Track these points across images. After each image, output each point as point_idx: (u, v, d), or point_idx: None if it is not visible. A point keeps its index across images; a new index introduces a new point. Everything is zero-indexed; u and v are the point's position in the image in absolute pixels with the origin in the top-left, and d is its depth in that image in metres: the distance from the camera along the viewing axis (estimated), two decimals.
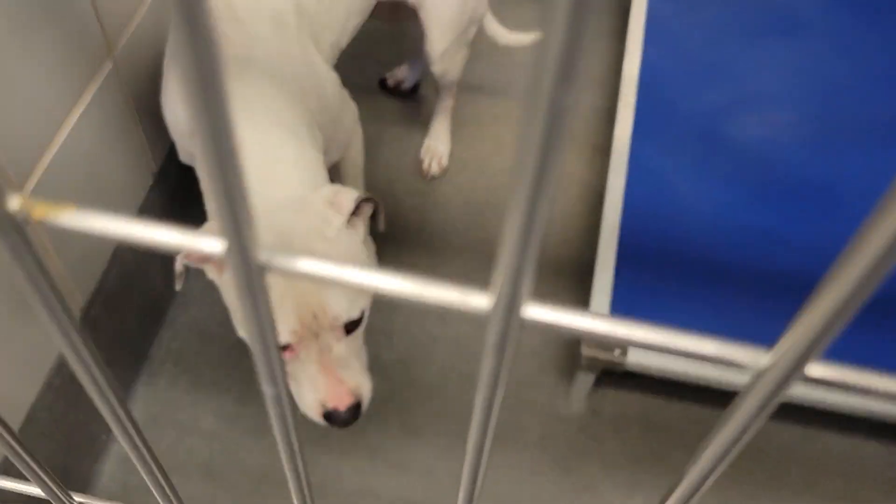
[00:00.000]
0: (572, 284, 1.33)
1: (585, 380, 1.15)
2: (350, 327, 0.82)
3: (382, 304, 1.27)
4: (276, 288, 0.77)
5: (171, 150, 1.11)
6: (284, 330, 0.78)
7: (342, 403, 0.83)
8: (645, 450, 1.16)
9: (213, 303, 1.24)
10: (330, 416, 0.84)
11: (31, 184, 0.80)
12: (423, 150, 1.46)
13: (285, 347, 0.80)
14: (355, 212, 0.86)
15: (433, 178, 1.45)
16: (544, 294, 1.32)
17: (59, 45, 0.80)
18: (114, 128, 0.94)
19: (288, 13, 0.92)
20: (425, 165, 1.45)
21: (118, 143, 0.96)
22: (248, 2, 0.89)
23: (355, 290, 0.81)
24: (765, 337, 1.12)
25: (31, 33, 0.75)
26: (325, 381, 0.82)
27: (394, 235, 1.35)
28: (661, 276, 1.17)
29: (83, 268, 0.94)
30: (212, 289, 1.24)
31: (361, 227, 0.89)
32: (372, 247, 0.93)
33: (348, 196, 0.84)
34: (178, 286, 0.86)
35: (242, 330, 0.81)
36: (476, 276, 1.33)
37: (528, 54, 1.64)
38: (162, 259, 1.16)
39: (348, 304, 0.80)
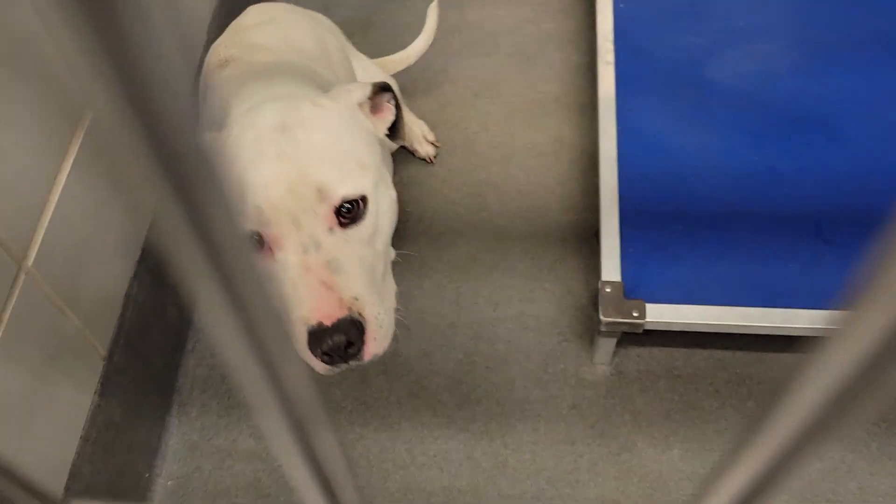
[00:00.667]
0: (577, 249, 1.34)
1: (607, 344, 1.16)
2: (348, 217, 0.66)
3: (398, 297, 1.28)
4: (240, 164, 0.63)
5: None
6: (251, 209, 0.61)
7: (329, 316, 0.62)
8: (674, 402, 1.18)
9: None
10: (315, 338, 0.62)
11: (33, 252, 0.80)
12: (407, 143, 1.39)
13: (259, 243, 0.64)
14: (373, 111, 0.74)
15: (435, 156, 1.41)
16: (553, 262, 1.32)
17: (38, 104, 0.79)
18: (105, 179, 0.94)
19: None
20: (421, 151, 1.41)
21: (111, 192, 0.96)
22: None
23: (351, 164, 0.67)
24: (779, 276, 1.13)
25: (9, 98, 0.74)
26: (305, 287, 0.62)
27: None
28: (666, 232, 1.17)
29: (99, 317, 0.94)
30: None
31: (379, 125, 0.76)
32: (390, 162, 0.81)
33: (360, 85, 0.73)
34: None
35: None
36: (482, 256, 1.33)
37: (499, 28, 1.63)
38: (174, 290, 1.16)
39: (339, 175, 0.65)
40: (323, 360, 0.64)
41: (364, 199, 0.67)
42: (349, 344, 0.64)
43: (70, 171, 0.85)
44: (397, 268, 1.30)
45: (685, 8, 1.43)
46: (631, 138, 1.26)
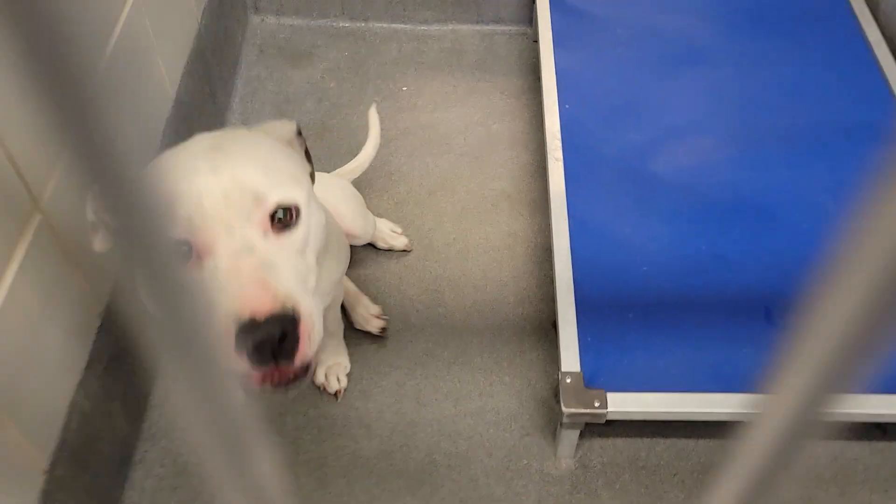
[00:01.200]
0: (535, 341, 1.34)
1: (570, 436, 1.15)
2: (281, 224, 0.66)
3: (355, 394, 1.26)
4: (171, 178, 0.63)
5: (115, 288, 1.09)
6: (179, 216, 0.60)
7: (261, 308, 0.59)
8: (640, 495, 1.16)
9: (182, 429, 1.20)
10: (243, 332, 0.59)
11: None
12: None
13: (184, 255, 0.62)
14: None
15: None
16: (511, 355, 1.32)
17: None
18: (51, 279, 0.92)
19: None
20: (398, 244, 1.41)
21: (57, 293, 0.94)
22: None
23: (284, 176, 0.68)
24: (735, 360, 1.14)
25: None
26: (237, 285, 0.60)
27: (351, 325, 1.33)
28: (623, 320, 1.19)
29: (41, 427, 0.90)
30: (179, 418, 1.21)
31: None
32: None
33: (285, 125, 0.77)
34: (95, 245, 0.70)
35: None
36: (440, 352, 1.32)
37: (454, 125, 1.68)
38: (123, 396, 1.12)
39: (273, 183, 0.65)
40: (251, 361, 0.60)
41: (297, 208, 0.67)
42: (282, 339, 0.61)
43: (14, 277, 0.83)
44: (356, 365, 1.28)
45: (626, 107, 1.50)
46: (582, 231, 1.29)
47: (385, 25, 1.90)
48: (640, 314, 1.20)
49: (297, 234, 0.67)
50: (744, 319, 1.19)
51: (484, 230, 1.50)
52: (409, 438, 1.22)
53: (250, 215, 0.64)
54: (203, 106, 1.49)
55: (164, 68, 1.30)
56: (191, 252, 0.63)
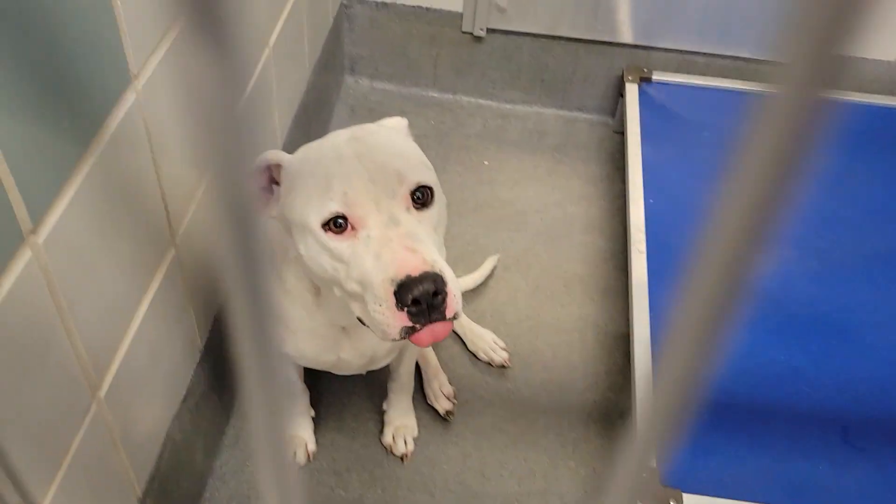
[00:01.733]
0: (602, 430, 1.34)
1: None
2: (420, 202, 0.75)
3: (421, 459, 1.26)
4: (324, 164, 0.74)
5: (213, 330, 1.12)
6: (337, 193, 0.71)
7: (415, 269, 0.69)
8: None
9: (252, 473, 1.21)
10: (403, 289, 0.69)
11: (107, 382, 0.79)
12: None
13: (339, 226, 0.72)
14: None
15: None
16: (577, 440, 1.32)
17: (133, 237, 0.82)
18: (172, 312, 0.95)
19: None
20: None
21: (174, 326, 0.97)
22: None
23: (417, 161, 0.77)
24: (811, 476, 1.14)
25: (113, 229, 0.77)
26: (390, 252, 0.70)
27: (423, 398, 1.35)
28: (699, 422, 1.19)
29: (141, 455, 0.92)
30: (250, 461, 1.22)
31: None
32: None
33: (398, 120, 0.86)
34: (264, 213, 0.79)
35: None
36: (507, 427, 1.33)
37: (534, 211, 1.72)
38: (205, 432, 1.13)
39: (412, 165, 0.75)
40: (409, 315, 0.70)
41: (431, 189, 0.76)
42: (434, 294, 0.70)
43: (148, 306, 0.86)
44: (424, 430, 1.29)
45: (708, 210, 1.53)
46: (662, 325, 1.30)
47: (472, 100, 1.96)
48: (716, 417, 1.20)
49: (432, 211, 0.76)
50: (821, 436, 1.19)
51: (556, 311, 1.52)
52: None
53: (395, 192, 0.72)
54: None
55: (278, 119, 1.36)
56: (346, 224, 0.73)
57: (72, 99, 0.66)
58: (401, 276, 0.69)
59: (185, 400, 1.02)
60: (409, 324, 0.71)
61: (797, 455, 1.16)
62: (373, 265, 0.71)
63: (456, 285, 0.73)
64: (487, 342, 1.42)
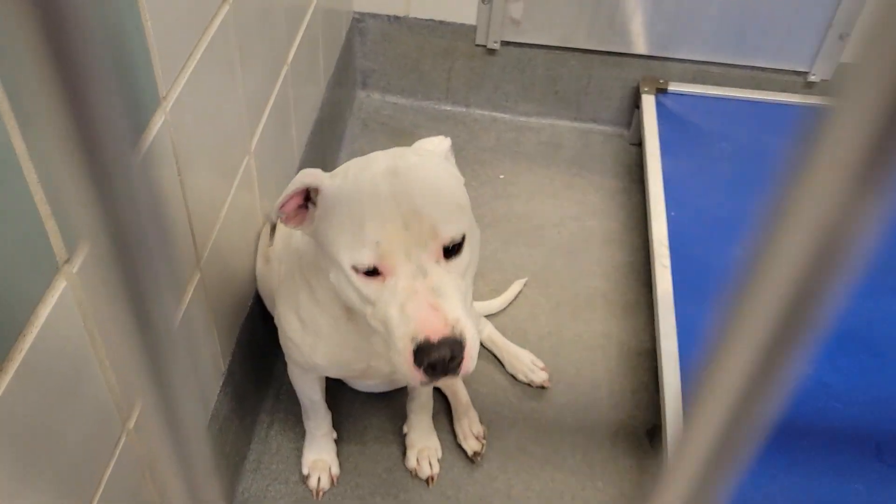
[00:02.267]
0: (629, 449, 1.32)
1: None
2: (450, 252, 0.74)
3: (446, 482, 1.23)
4: (362, 201, 0.72)
5: (235, 352, 1.09)
6: (370, 242, 0.70)
7: (436, 332, 0.69)
8: None
9: (275, 497, 1.18)
10: (420, 351, 0.70)
11: (136, 411, 0.77)
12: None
13: (371, 273, 0.72)
14: None
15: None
16: (604, 460, 1.29)
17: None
18: (197, 339, 0.93)
19: None
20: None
21: (199, 350, 0.94)
22: None
23: (454, 206, 0.75)
24: (845, 495, 1.11)
25: None
26: (414, 308, 0.70)
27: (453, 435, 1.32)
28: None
29: None
30: (272, 487, 1.19)
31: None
32: None
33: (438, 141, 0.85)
34: (271, 242, 0.81)
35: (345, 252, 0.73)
36: (533, 448, 1.30)
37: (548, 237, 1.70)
38: (228, 456, 1.11)
39: (447, 216, 0.72)
40: (423, 371, 0.71)
41: (464, 236, 0.74)
42: (451, 358, 0.71)
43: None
44: (449, 452, 1.26)
45: (731, 221, 1.51)
46: (689, 340, 1.28)
47: (486, 113, 1.95)
48: None
49: (462, 259, 0.75)
50: (854, 453, 1.17)
51: (578, 327, 1.50)
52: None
53: (426, 244, 0.71)
54: None
55: (295, 136, 1.34)
56: (377, 271, 0.72)
57: None
58: (421, 337, 0.70)
59: (209, 425, 1.00)
60: (424, 378, 0.73)
61: (830, 473, 1.14)
62: (397, 316, 0.71)
63: (475, 344, 0.73)
64: (526, 364, 1.39)
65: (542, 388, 1.38)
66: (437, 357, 0.70)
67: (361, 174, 0.76)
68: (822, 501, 1.11)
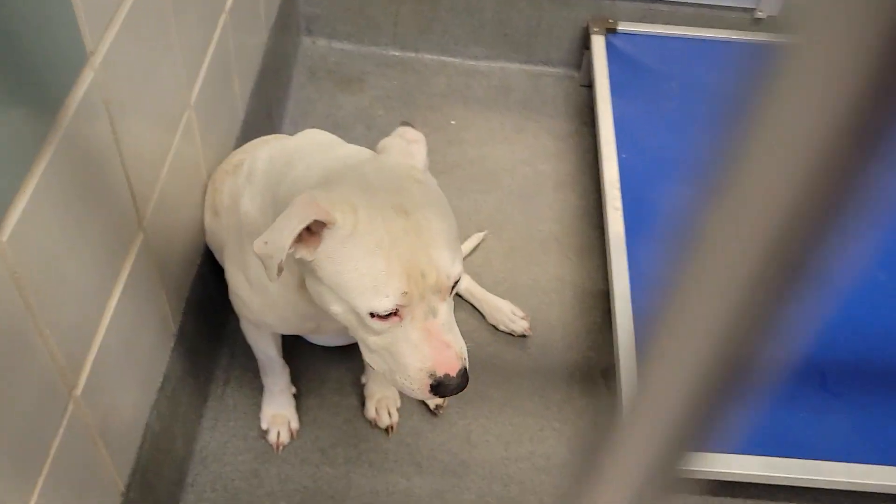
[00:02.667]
0: (584, 388, 1.34)
1: None
2: (452, 289, 0.79)
3: (406, 430, 1.25)
4: (381, 248, 0.73)
5: (185, 312, 1.08)
6: (394, 291, 0.73)
7: (453, 369, 0.78)
8: None
9: (234, 454, 1.18)
10: (439, 384, 0.78)
11: (83, 379, 0.76)
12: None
13: (390, 314, 0.75)
14: None
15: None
16: (560, 401, 1.32)
17: (100, 226, 0.77)
18: (144, 299, 0.91)
19: None
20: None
21: (147, 313, 0.92)
22: None
23: (457, 245, 0.79)
24: (792, 427, 1.16)
25: (78, 220, 0.72)
26: (431, 347, 0.77)
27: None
28: None
29: (122, 449, 0.89)
30: (231, 443, 1.19)
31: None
32: None
33: (415, 134, 0.84)
34: (277, 275, 0.79)
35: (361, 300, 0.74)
36: (492, 393, 1.32)
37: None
38: (183, 417, 1.10)
39: (454, 258, 0.77)
40: (437, 395, 0.80)
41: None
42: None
43: (119, 296, 0.82)
44: (407, 400, 1.27)
45: (681, 160, 1.52)
46: (641, 281, 1.30)
47: (435, 57, 1.91)
48: None
49: (457, 288, 0.80)
50: (799, 383, 1.21)
51: (532, 272, 1.51)
52: (460, 479, 1.21)
53: (440, 289, 0.76)
54: (261, 127, 1.49)
55: (238, 87, 1.30)
56: (395, 312, 0.76)
57: (26, 86, 0.61)
58: (440, 374, 0.77)
59: (161, 387, 0.99)
60: (433, 397, 0.82)
61: (776, 403, 1.18)
62: (411, 353, 0.77)
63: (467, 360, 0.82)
64: (506, 314, 1.40)
65: (524, 336, 1.39)
66: (454, 387, 0.79)
67: (372, 213, 0.74)
68: (769, 430, 1.15)
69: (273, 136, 1.21)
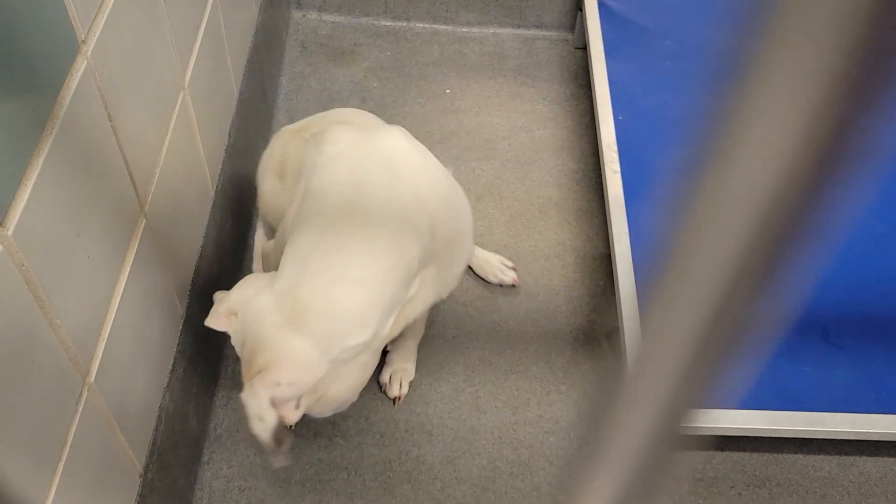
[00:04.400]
0: (590, 351, 1.36)
1: None
2: None
3: (415, 400, 1.27)
4: None
5: (192, 294, 1.08)
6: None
7: None
8: None
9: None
10: None
11: (95, 366, 0.77)
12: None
13: None
14: None
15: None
16: (566, 364, 1.34)
17: (103, 214, 0.78)
18: (151, 282, 0.92)
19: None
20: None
21: (154, 296, 0.93)
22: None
23: None
24: (795, 379, 1.17)
25: (81, 209, 0.73)
26: None
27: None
28: None
29: (138, 431, 0.90)
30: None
31: None
32: None
33: None
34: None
35: None
36: (497, 359, 1.33)
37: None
38: (196, 397, 1.12)
39: None
40: None
41: None
42: None
43: (126, 281, 0.83)
44: (420, 366, 1.27)
45: (678, 121, 1.51)
46: (642, 243, 1.31)
47: (427, 26, 1.89)
48: None
49: None
50: (803, 340, 1.22)
51: (533, 238, 1.51)
52: (470, 445, 1.23)
53: None
54: (257, 104, 1.49)
55: (231, 64, 1.29)
56: None
57: (20, 78, 0.61)
58: None
59: (173, 369, 1.00)
60: None
61: (777, 356, 1.19)
62: None
63: None
64: (495, 265, 1.42)
65: (513, 286, 1.41)
66: None
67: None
68: (772, 384, 1.16)
69: (355, 113, 1.19)
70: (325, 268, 0.83)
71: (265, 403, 0.78)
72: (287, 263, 0.85)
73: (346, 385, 0.89)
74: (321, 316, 0.82)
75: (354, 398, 0.96)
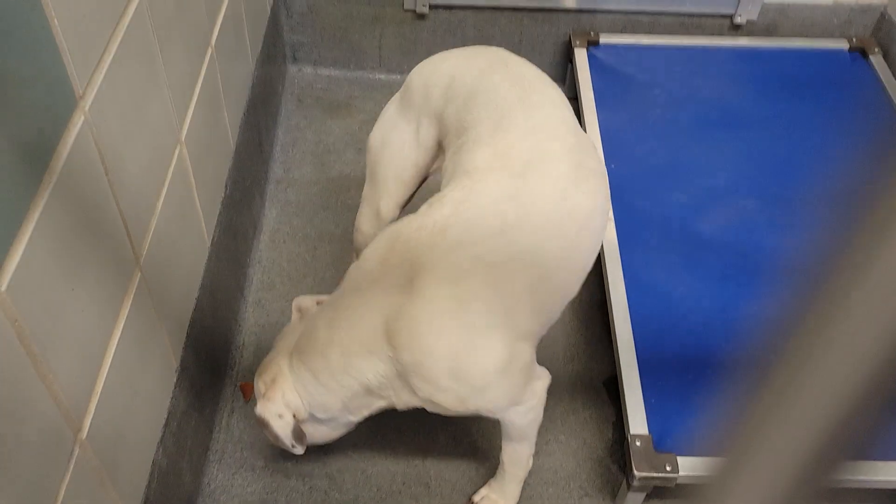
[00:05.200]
0: (588, 399, 1.34)
1: (636, 499, 1.15)
2: None
3: (414, 451, 1.25)
4: None
5: (186, 346, 1.08)
6: None
7: None
8: None
9: (242, 485, 1.18)
10: None
11: (87, 422, 0.76)
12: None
13: None
14: None
15: None
16: (564, 413, 1.32)
17: (97, 268, 0.77)
18: (145, 336, 0.91)
19: None
20: None
21: (148, 350, 0.93)
22: None
23: None
24: None
25: (76, 264, 0.73)
26: None
27: None
28: (685, 380, 1.20)
29: (131, 488, 0.89)
30: (239, 474, 1.19)
31: None
32: None
33: None
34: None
35: None
36: None
37: None
38: (190, 451, 1.10)
39: None
40: None
41: None
42: None
43: (120, 336, 0.83)
44: (412, 419, 1.26)
45: (669, 168, 1.53)
46: (637, 290, 1.31)
47: None
48: (700, 375, 1.21)
49: None
50: None
51: None
52: (469, 497, 1.21)
53: None
54: (253, 156, 1.50)
55: (228, 118, 1.31)
56: None
57: (17, 134, 0.62)
58: None
59: (167, 423, 0.99)
60: None
61: None
62: None
63: None
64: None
65: None
66: None
67: None
68: None
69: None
70: None
71: (280, 404, 0.94)
72: None
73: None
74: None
75: None
